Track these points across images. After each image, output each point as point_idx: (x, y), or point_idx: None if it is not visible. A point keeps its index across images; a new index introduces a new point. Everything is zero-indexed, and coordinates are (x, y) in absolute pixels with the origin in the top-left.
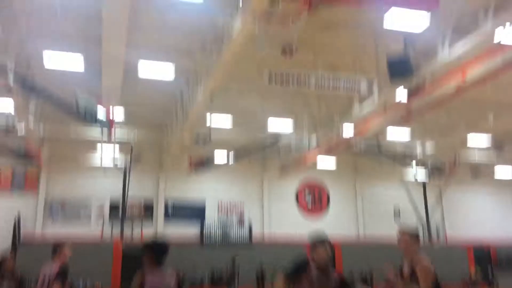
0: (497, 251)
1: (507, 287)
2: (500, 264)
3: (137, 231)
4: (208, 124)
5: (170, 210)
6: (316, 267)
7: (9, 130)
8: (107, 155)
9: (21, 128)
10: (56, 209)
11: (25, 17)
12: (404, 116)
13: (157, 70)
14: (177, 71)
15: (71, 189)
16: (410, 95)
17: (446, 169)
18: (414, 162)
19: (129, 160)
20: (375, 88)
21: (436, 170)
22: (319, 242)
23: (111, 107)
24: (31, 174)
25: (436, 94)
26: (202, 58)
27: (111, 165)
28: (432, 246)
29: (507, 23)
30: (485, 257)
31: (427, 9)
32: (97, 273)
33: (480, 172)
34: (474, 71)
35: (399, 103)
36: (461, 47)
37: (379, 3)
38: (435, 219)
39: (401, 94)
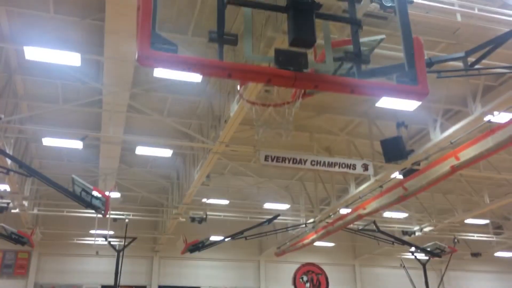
0: None
1: None
2: None
3: None
4: (204, 204)
5: None
6: None
7: (3, 210)
8: (100, 237)
9: (15, 209)
10: None
11: (27, 102)
12: (401, 197)
13: (154, 152)
14: (173, 152)
15: (62, 273)
16: (406, 175)
17: (446, 250)
18: (413, 244)
19: (123, 244)
20: (371, 169)
21: (435, 251)
22: None
23: (107, 192)
24: (22, 257)
25: (431, 174)
26: (199, 139)
27: (104, 249)
28: None
29: (496, 112)
30: None
31: (417, 99)
32: None
33: (480, 251)
34: (467, 152)
35: (395, 183)
36: (453, 129)
37: (369, 93)
38: None
39: (396, 174)
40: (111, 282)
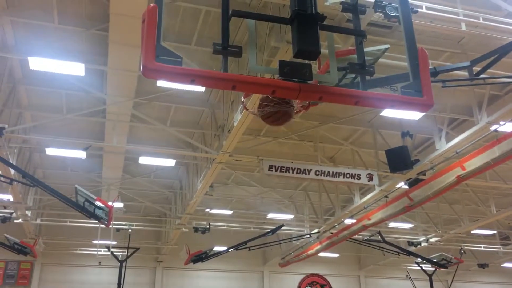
0: None
1: None
2: None
3: None
4: (207, 214)
5: None
6: None
7: (6, 220)
8: (103, 247)
9: (18, 219)
10: None
11: (31, 111)
12: (407, 207)
13: (157, 162)
14: (176, 161)
15: (64, 284)
16: (411, 185)
17: (452, 261)
18: (418, 255)
19: (126, 254)
20: (376, 179)
21: (442, 262)
22: None
23: (110, 202)
24: (24, 268)
25: (436, 184)
26: (202, 149)
27: (107, 259)
28: None
29: (501, 122)
30: None
31: (422, 111)
32: None
33: (487, 262)
34: (473, 162)
35: (401, 193)
36: (458, 138)
37: (374, 105)
38: None
39: (402, 185)
40: None
